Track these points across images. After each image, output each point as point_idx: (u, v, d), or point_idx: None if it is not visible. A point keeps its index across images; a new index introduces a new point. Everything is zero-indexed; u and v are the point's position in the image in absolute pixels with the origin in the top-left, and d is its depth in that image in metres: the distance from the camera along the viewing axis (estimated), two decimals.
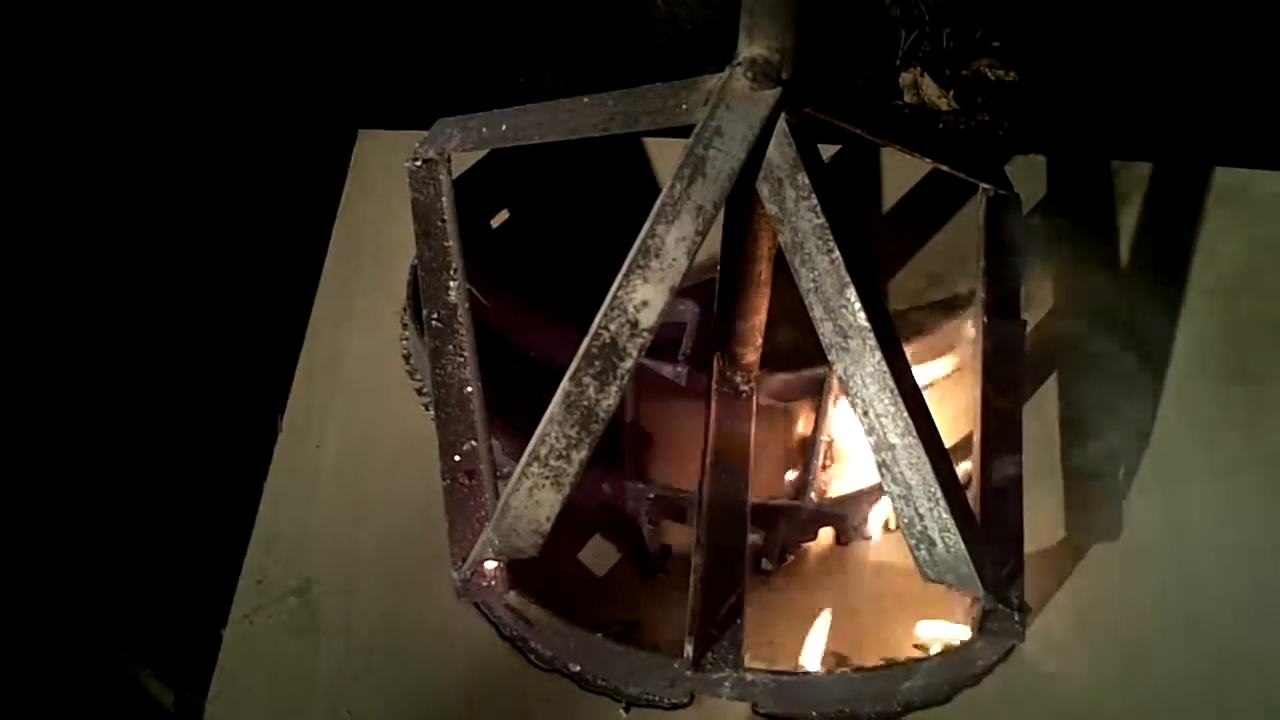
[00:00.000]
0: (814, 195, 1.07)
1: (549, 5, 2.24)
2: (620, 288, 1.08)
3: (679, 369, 1.42)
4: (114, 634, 1.58)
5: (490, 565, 1.21)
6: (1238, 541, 1.37)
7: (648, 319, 1.09)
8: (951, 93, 2.08)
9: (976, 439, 1.28)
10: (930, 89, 2.09)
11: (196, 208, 1.96)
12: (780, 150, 1.08)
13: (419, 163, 1.41)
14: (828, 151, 1.59)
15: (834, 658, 1.28)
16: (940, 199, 1.63)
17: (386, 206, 1.59)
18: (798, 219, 1.09)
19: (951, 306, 1.51)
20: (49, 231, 1.94)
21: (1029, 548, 1.25)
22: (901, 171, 1.66)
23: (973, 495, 1.24)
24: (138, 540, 1.64)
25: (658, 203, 1.08)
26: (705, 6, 2.21)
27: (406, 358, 1.49)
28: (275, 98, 2.09)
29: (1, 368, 1.77)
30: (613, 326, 1.09)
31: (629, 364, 1.09)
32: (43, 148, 2.01)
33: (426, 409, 1.42)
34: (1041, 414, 1.45)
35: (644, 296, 1.08)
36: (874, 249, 1.47)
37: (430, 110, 1.46)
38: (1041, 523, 1.36)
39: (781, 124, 1.08)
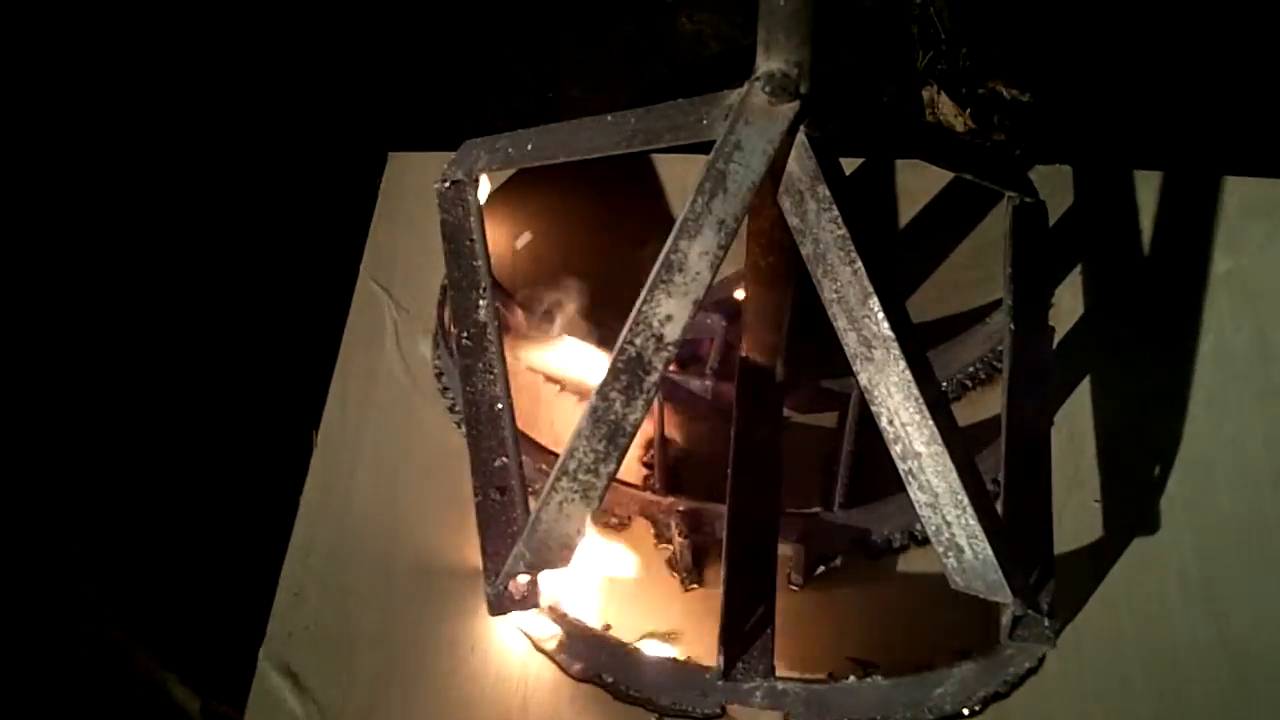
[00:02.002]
0: (835, 206, 1.08)
1: (576, 23, 2.25)
2: (645, 302, 1.09)
3: (705, 382, 1.44)
4: (143, 640, 1.60)
5: (523, 579, 1.21)
6: (1269, 550, 1.36)
7: (672, 333, 1.09)
8: (968, 111, 2.08)
9: (1004, 447, 1.28)
10: (947, 108, 2.09)
11: (233, 231, 1.99)
12: (800, 163, 1.09)
13: (447, 184, 1.43)
14: (849, 165, 1.58)
15: (865, 666, 1.28)
16: (963, 209, 1.62)
17: (416, 227, 1.60)
18: (819, 230, 1.09)
19: (978, 315, 1.50)
20: (99, 257, 1.97)
21: (1058, 554, 1.25)
22: (922, 183, 1.65)
23: (1000, 503, 1.23)
24: (174, 551, 1.67)
25: (680, 218, 1.08)
26: (730, 24, 2.22)
27: (438, 375, 1.50)
28: (306, 122, 2.12)
29: (46, 380, 1.81)
30: (638, 341, 1.09)
31: (655, 378, 1.10)
32: (77, 170, 2.05)
33: (458, 426, 1.43)
34: (1071, 422, 1.44)
35: (668, 311, 1.09)
36: (897, 261, 1.48)
37: (460, 128, 1.48)
38: (1070, 530, 1.36)
39: (801, 137, 1.08)
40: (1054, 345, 1.42)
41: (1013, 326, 1.35)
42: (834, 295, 1.10)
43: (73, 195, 2.03)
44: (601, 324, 1.46)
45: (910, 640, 1.31)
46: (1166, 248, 1.59)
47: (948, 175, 1.62)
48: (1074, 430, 1.44)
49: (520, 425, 1.30)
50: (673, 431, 1.47)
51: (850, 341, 1.10)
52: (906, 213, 1.64)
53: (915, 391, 1.08)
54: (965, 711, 1.26)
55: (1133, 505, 1.39)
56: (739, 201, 1.08)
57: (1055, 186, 1.62)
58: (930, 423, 1.08)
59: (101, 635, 1.62)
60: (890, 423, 1.10)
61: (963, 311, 1.54)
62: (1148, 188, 1.64)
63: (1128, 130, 2.05)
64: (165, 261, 1.96)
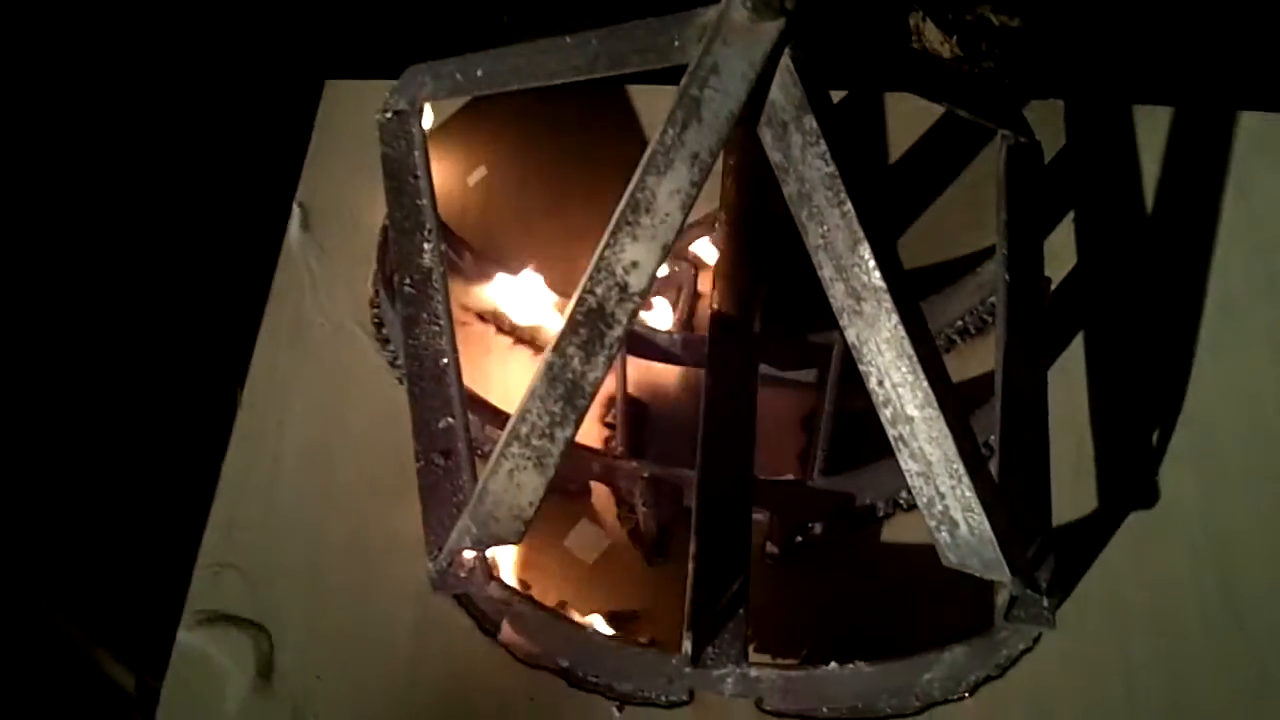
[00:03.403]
0: (822, 140, 1.00)
1: None
2: (607, 247, 1.01)
3: (674, 336, 1.37)
4: (73, 617, 1.57)
5: (469, 554, 1.14)
6: (1278, 511, 1.31)
7: (638, 282, 1.01)
8: (954, 39, 2.04)
9: (998, 406, 1.21)
10: (933, 34, 2.05)
11: (149, 165, 1.92)
12: (784, 90, 1.01)
13: (389, 114, 1.37)
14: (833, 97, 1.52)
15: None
16: (954, 148, 1.56)
17: (355, 163, 1.53)
18: (804, 167, 1.01)
19: (969, 263, 1.44)
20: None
21: (1054, 523, 1.19)
22: (911, 119, 1.59)
23: (994, 468, 1.17)
24: (96, 522, 1.63)
25: (648, 151, 1.01)
26: None
27: (378, 325, 1.43)
28: (234, 47, 2.05)
29: None
30: (599, 290, 1.02)
31: (618, 332, 1.02)
32: None
33: (399, 382, 1.37)
34: (1067, 377, 1.38)
35: (634, 257, 1.01)
36: (885, 203, 1.40)
37: (404, 53, 1.41)
38: (1068, 495, 1.30)
39: (786, 61, 1.00)
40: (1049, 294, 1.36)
41: (1007, 277, 1.29)
42: (820, 241, 1.02)
43: None
44: (562, 271, 1.41)
45: (896, 617, 1.25)
46: (1169, 188, 1.53)
47: (934, 111, 1.56)
48: (1070, 385, 1.38)
49: (468, 382, 1.23)
50: (637, 389, 1.40)
51: (837, 293, 1.02)
52: (891, 152, 1.58)
53: (909, 349, 1.00)
54: (954, 698, 1.20)
55: (1134, 466, 1.33)
56: (715, 133, 1.00)
57: (1047, 122, 1.56)
58: (924, 384, 1.00)
59: (34, 612, 1.58)
60: (880, 384, 1.03)
61: (951, 259, 1.48)
62: (1148, 123, 1.58)
63: (1124, 60, 2.01)
64: (79, 199, 1.89)
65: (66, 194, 1.88)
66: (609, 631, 1.23)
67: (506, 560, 1.25)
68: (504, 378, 1.41)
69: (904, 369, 1.01)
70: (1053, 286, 1.38)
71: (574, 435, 1.05)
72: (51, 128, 1.95)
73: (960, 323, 1.43)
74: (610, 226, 1.01)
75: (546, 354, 1.03)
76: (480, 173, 1.57)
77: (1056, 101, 1.60)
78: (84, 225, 1.85)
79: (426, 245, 1.29)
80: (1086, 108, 1.59)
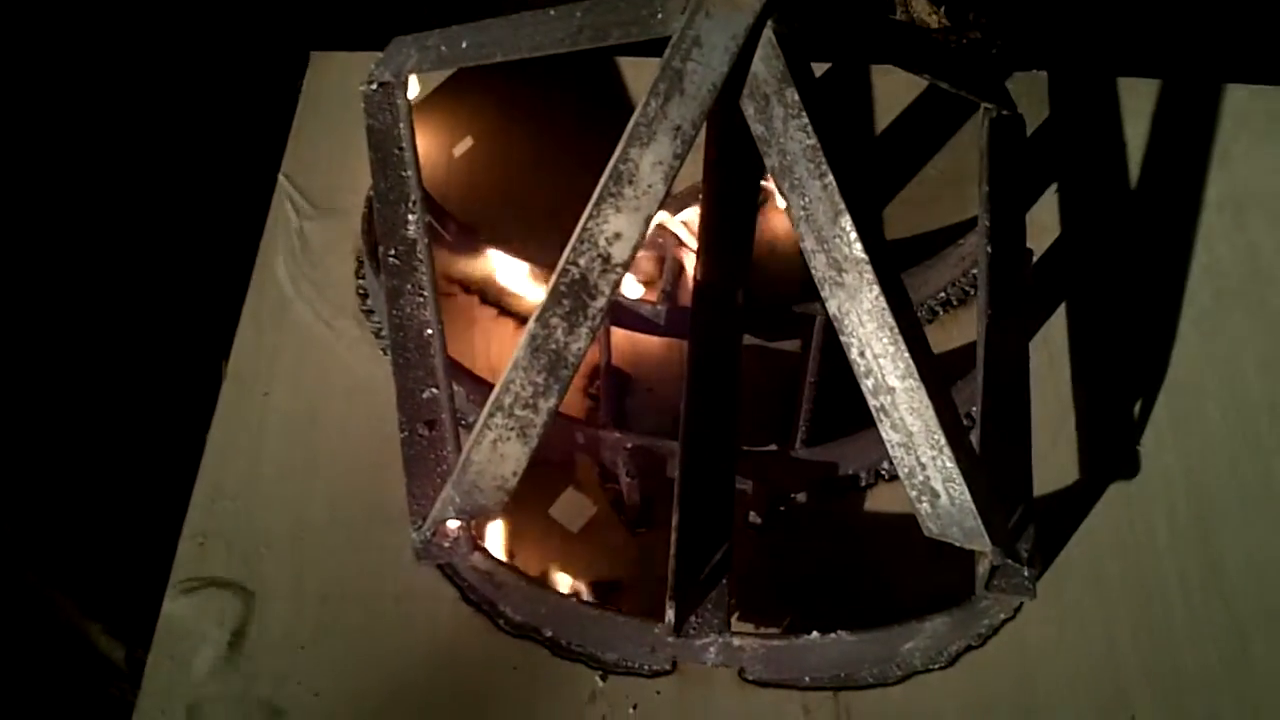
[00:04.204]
0: (804, 113, 1.00)
1: None
2: (590, 218, 1.01)
3: (657, 306, 1.37)
4: (63, 590, 1.55)
5: (453, 524, 1.13)
6: (1266, 483, 1.31)
7: (621, 253, 1.01)
8: (942, 9, 2.01)
9: (980, 377, 1.21)
10: (920, 4, 2.03)
11: (134, 138, 1.89)
12: (766, 62, 1.00)
13: (374, 86, 1.36)
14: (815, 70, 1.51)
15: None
16: (936, 120, 1.56)
17: (340, 134, 1.52)
18: (786, 140, 1.01)
19: (951, 235, 1.43)
20: None
21: (1035, 492, 1.18)
22: (893, 91, 1.58)
23: (975, 438, 1.17)
24: (86, 495, 1.61)
25: (631, 123, 1.00)
26: None
27: (362, 297, 1.41)
28: (221, 19, 2.01)
29: None
30: (582, 261, 1.01)
31: (601, 303, 1.02)
32: None
33: (383, 353, 1.36)
34: (1049, 348, 1.38)
35: (617, 228, 1.00)
36: (867, 175, 1.40)
37: (389, 24, 1.41)
38: (1050, 466, 1.29)
39: (768, 33, 1.00)
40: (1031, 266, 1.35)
41: (989, 249, 1.28)
42: (802, 212, 1.02)
43: None
44: (545, 243, 1.37)
45: (878, 587, 1.25)
46: (1151, 160, 1.53)
47: (917, 83, 1.55)
48: (1053, 356, 1.38)
49: (452, 352, 1.23)
50: (620, 360, 1.39)
51: (818, 264, 1.02)
52: (874, 124, 1.57)
53: (890, 320, 1.00)
54: (935, 668, 1.20)
55: (1116, 436, 1.33)
56: (697, 105, 0.99)
57: (1030, 95, 1.56)
58: (905, 355, 1.01)
59: (25, 586, 1.57)
60: (861, 354, 1.03)
61: (933, 230, 1.47)
62: (1132, 95, 1.59)
63: (1110, 31, 2.00)
64: (64, 173, 1.86)
65: (52, 169, 1.85)
66: (592, 601, 1.22)
67: (491, 531, 1.24)
68: (488, 349, 1.40)
69: (885, 340, 1.00)
70: (1035, 258, 1.38)
71: (557, 406, 1.05)
72: (36, 101, 1.92)
73: (942, 294, 1.43)
74: (593, 198, 1.00)
75: (530, 324, 1.03)
76: (465, 144, 1.55)
77: (1040, 73, 1.60)
78: (69, 200, 1.83)
79: (411, 217, 1.28)
80: (1070, 80, 1.59)
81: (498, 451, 1.06)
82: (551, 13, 1.18)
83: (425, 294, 1.24)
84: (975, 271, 1.36)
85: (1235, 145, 1.53)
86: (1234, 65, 1.75)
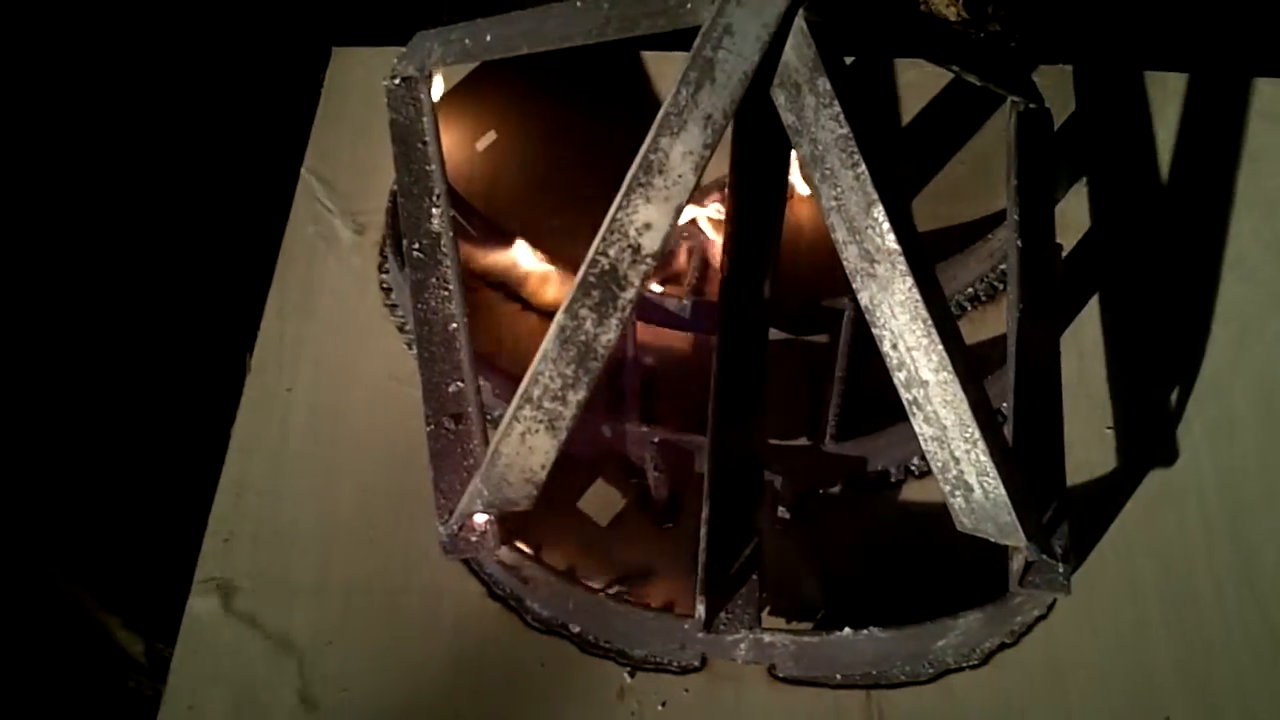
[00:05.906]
0: (836, 102, 0.99)
1: None
2: (620, 209, 1.00)
3: (684, 300, 1.35)
4: (82, 583, 1.55)
5: (480, 518, 1.12)
6: None
7: (651, 243, 1.00)
8: (960, 1, 2.01)
9: (1011, 372, 1.20)
10: None
11: (159, 133, 1.89)
12: (798, 51, 1.00)
13: (397, 81, 1.36)
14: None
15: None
16: (962, 114, 1.54)
17: (363, 129, 1.51)
18: (818, 129, 1.00)
19: (978, 230, 1.42)
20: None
21: (1068, 488, 1.17)
22: (920, 85, 1.57)
23: (1008, 433, 1.16)
24: (106, 489, 1.61)
25: (661, 112, 0.99)
26: None
27: (386, 291, 1.41)
28: (244, 15, 2.01)
29: None
30: (612, 252, 1.01)
31: (631, 294, 1.01)
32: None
33: (409, 347, 1.35)
34: (1080, 343, 1.37)
35: (647, 218, 1.00)
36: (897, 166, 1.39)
37: (412, 19, 1.41)
38: (1082, 461, 1.28)
39: (800, 21, 0.99)
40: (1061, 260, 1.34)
41: (1019, 244, 1.27)
42: (833, 203, 1.01)
43: None
44: (572, 236, 1.37)
45: (910, 583, 1.24)
46: (1180, 154, 1.52)
47: (943, 77, 1.54)
48: (1084, 352, 1.37)
49: (478, 346, 1.22)
50: (647, 353, 1.37)
51: (850, 255, 1.01)
52: (901, 118, 1.56)
53: (923, 312, 0.99)
54: (968, 666, 1.19)
55: (1148, 432, 1.32)
56: (728, 94, 0.98)
57: (1056, 88, 1.54)
58: (939, 347, 1.00)
59: (45, 580, 1.57)
60: (894, 347, 1.02)
61: (962, 224, 1.46)
62: (1160, 89, 1.57)
63: (1134, 24, 1.98)
64: (91, 169, 1.86)
65: (77, 166, 1.85)
66: (621, 596, 1.21)
67: (517, 525, 1.23)
68: (514, 344, 1.39)
69: (918, 332, 1.00)
70: (1064, 253, 1.36)
71: (586, 398, 1.04)
72: (61, 96, 1.92)
73: (972, 289, 1.41)
74: (623, 187, 0.99)
75: (559, 316, 1.02)
76: (489, 138, 1.55)
77: (1065, 67, 1.59)
78: (95, 196, 1.83)
79: (435, 210, 1.27)
80: (1096, 73, 1.57)
81: (526, 444, 1.05)
82: (578, 4, 1.17)
83: (450, 287, 1.23)
84: (1004, 266, 1.35)
85: (1263, 138, 1.52)
86: (1263, 59, 1.74)
